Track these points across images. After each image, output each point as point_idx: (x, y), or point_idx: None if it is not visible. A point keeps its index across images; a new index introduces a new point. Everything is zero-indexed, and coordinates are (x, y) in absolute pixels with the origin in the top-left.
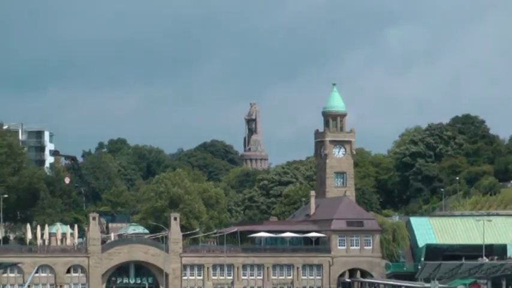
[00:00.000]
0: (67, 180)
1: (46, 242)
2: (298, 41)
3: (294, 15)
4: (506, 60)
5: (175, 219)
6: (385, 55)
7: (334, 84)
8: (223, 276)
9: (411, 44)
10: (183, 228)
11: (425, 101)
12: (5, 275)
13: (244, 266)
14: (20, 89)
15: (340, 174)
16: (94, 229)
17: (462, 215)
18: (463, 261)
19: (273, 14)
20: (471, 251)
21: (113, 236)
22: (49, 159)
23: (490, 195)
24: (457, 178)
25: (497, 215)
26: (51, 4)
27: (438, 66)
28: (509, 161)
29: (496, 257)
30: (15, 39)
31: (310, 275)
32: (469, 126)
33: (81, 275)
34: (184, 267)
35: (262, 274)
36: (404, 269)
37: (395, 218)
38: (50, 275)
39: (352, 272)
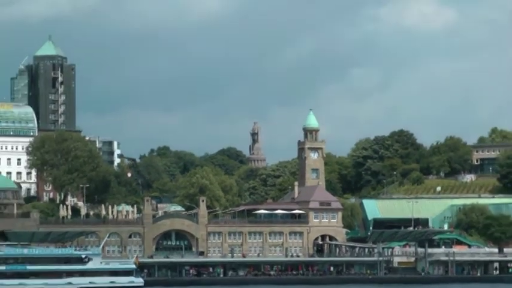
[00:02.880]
0: (129, 175)
1: (115, 217)
2: (289, 79)
3: (287, 60)
4: (431, 93)
5: (202, 201)
6: (349, 88)
7: (310, 109)
8: (235, 240)
9: (368, 80)
10: (208, 207)
11: (373, 121)
12: (86, 239)
13: (249, 233)
14: (98, 111)
15: (315, 170)
16: (147, 208)
17: (398, 198)
18: (400, 230)
19: (272, 61)
20: (404, 223)
21: (160, 212)
22: (117, 160)
23: (417, 184)
24: (394, 173)
25: (422, 198)
26: (125, 50)
27: (385, 96)
28: (430, 161)
29: (420, 227)
30: (96, 76)
31: (294, 239)
32: (402, 138)
33: (138, 239)
34: (209, 233)
35: (262, 238)
36: (359, 235)
37: (352, 200)
38: (117, 239)
39: (323, 237)
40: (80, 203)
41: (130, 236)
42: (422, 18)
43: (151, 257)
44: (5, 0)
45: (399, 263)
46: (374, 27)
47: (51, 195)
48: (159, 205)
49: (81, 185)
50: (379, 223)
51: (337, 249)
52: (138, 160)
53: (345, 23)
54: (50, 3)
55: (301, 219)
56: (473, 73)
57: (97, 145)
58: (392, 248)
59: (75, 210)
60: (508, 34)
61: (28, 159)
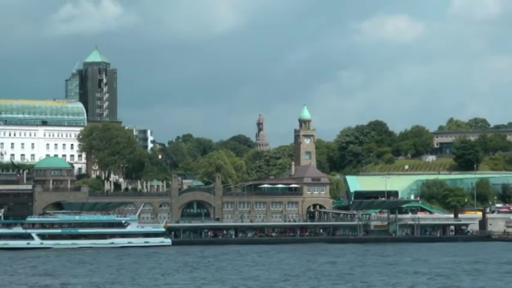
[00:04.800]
0: (160, 157)
1: (148, 190)
2: (288, 80)
3: (287, 65)
4: (402, 91)
5: (218, 177)
6: (337, 87)
7: (304, 104)
8: (244, 208)
9: (352, 81)
10: (222, 182)
11: (355, 113)
12: (126, 208)
13: (256, 203)
14: (135, 106)
15: (308, 153)
16: (175, 183)
17: (374, 175)
18: (375, 199)
19: (276, 65)
20: (379, 194)
21: (184, 186)
22: (150, 145)
23: (389, 164)
24: (371, 154)
25: (393, 174)
26: (157, 57)
27: (366, 94)
28: (399, 145)
29: (392, 197)
30: (134, 78)
31: (291, 208)
32: (378, 126)
33: (167, 208)
34: (223, 203)
35: (265, 207)
36: (343, 204)
37: (338, 177)
38: (150, 208)
39: (314, 205)
40: (121, 179)
41: (160, 206)
42: (397, 31)
43: (178, 222)
44: (65, 19)
45: (375, 226)
46: (358, 38)
47: (98, 173)
48: (183, 181)
49: (121, 165)
50: (359, 194)
51: (326, 216)
52: (167, 145)
53: (335, 34)
54: (101, 20)
55: (297, 191)
56: (436, 76)
57: (134, 133)
58: (370, 214)
59: (117, 185)
60: (464, 44)
61: (79, 145)
